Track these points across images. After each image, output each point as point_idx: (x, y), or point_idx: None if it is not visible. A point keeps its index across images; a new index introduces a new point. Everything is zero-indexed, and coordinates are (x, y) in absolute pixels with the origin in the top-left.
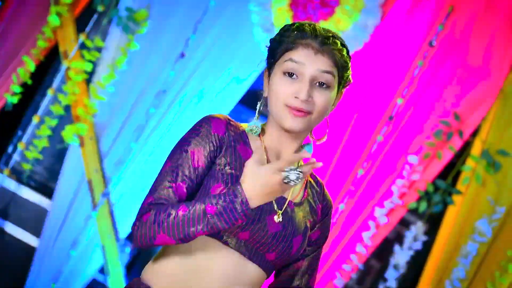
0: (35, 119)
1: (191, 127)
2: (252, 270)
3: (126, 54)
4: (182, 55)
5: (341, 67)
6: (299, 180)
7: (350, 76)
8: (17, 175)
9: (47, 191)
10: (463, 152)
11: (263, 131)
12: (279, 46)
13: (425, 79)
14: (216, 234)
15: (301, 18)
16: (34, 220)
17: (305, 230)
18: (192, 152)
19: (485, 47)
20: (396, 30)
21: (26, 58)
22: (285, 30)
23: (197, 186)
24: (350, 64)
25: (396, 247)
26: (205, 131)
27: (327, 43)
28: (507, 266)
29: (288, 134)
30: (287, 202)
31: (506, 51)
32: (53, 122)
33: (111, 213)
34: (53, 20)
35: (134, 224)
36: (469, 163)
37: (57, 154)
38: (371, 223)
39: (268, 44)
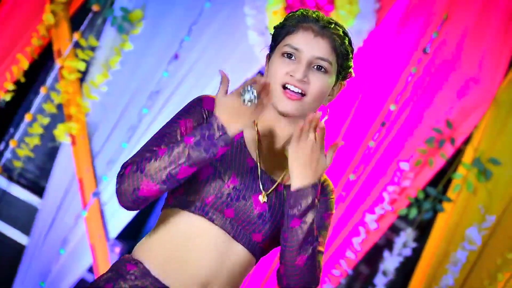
0: (28, 117)
1: None
2: (239, 250)
3: (120, 54)
4: (176, 56)
5: (340, 55)
6: (253, 99)
7: (351, 69)
8: (7, 172)
9: (38, 189)
10: (455, 159)
11: None
12: (281, 30)
13: (418, 86)
14: (201, 211)
15: None
16: (24, 218)
17: None
18: (181, 122)
19: (479, 55)
20: (390, 36)
21: (20, 55)
22: (289, 15)
23: None
24: (351, 55)
25: (386, 253)
26: (195, 105)
27: (328, 27)
28: (496, 275)
29: (283, 119)
30: (276, 184)
31: (500, 60)
32: (45, 121)
33: (101, 213)
34: (48, 18)
35: (116, 182)
36: (461, 171)
37: (48, 153)
38: (361, 228)
39: (273, 31)
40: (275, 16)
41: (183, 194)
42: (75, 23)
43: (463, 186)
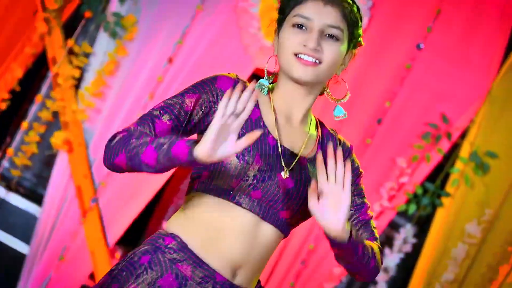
0: (24, 126)
1: None
2: (268, 230)
3: (114, 59)
4: (170, 60)
5: (351, 22)
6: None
7: (361, 38)
8: (5, 181)
9: (36, 197)
10: (452, 154)
11: (272, 91)
12: (289, 2)
13: (413, 82)
14: (228, 195)
15: None
16: (24, 227)
17: None
18: (188, 96)
19: (473, 50)
20: (384, 33)
21: (14, 64)
22: None
23: (185, 130)
24: (361, 23)
25: (386, 250)
26: (208, 82)
27: None
28: (497, 268)
29: (299, 90)
30: (297, 158)
31: (494, 53)
32: (42, 129)
33: (101, 219)
34: (40, 26)
35: (108, 140)
36: (458, 165)
37: (46, 161)
38: None
39: (278, 5)
40: (267, 15)
41: (208, 178)
42: (68, 30)
43: (461, 180)
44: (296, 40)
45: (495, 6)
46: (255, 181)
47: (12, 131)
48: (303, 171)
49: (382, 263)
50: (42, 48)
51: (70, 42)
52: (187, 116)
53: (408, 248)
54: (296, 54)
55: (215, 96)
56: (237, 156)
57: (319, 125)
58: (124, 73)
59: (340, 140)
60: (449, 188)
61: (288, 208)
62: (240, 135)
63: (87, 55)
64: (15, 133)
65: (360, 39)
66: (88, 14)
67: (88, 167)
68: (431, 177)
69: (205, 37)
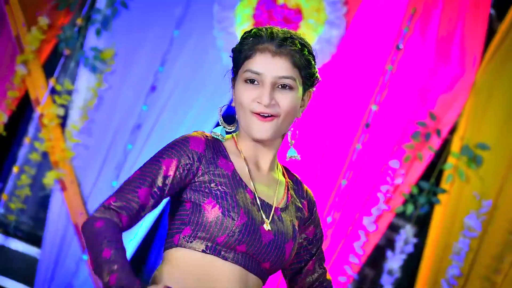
0: (15, 170)
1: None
2: (253, 281)
3: (97, 93)
4: (153, 88)
5: (302, 67)
6: None
7: (317, 74)
8: (3, 227)
9: (35, 239)
10: (443, 150)
11: (238, 140)
12: (239, 55)
13: (397, 83)
14: (214, 251)
15: None
16: (25, 270)
17: (294, 234)
18: (164, 161)
19: (453, 44)
20: (362, 38)
21: None
22: (244, 38)
23: (166, 195)
24: (314, 62)
25: (388, 253)
26: (181, 145)
27: (284, 44)
28: (501, 258)
29: (261, 142)
30: (273, 210)
31: (474, 45)
32: (33, 171)
33: None
34: (20, 69)
35: (95, 212)
36: (450, 160)
37: (40, 202)
38: (360, 232)
39: (231, 54)
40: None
41: (192, 235)
42: (48, 69)
43: (455, 176)
44: (250, 97)
45: None
46: (240, 236)
47: (3, 177)
48: (279, 222)
49: None
50: (25, 90)
51: (52, 81)
52: (167, 181)
53: (410, 248)
54: (252, 111)
55: (190, 158)
56: (223, 213)
57: (284, 172)
58: (108, 106)
59: (306, 192)
60: (444, 184)
61: (269, 259)
62: (222, 191)
63: (69, 93)
64: (7, 178)
65: (316, 75)
66: (66, 51)
67: (82, 203)
68: (425, 176)
69: (185, 61)
